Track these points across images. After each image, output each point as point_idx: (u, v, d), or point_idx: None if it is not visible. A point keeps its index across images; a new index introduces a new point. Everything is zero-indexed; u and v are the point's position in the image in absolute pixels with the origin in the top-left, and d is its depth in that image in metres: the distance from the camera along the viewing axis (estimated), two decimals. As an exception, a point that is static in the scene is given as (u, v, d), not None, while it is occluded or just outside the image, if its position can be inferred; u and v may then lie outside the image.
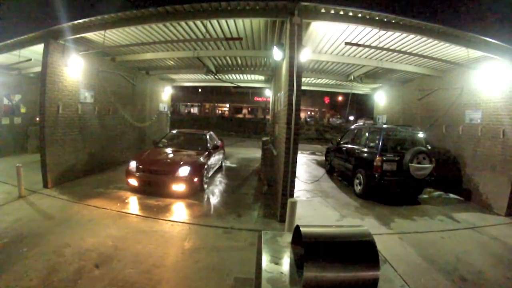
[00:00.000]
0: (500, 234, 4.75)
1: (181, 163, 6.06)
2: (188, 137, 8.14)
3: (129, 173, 6.06)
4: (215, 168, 8.00)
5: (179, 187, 5.80)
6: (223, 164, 9.33)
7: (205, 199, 6.05)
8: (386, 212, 5.67)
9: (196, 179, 6.04)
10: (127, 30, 5.72)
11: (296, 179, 4.96)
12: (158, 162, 6.23)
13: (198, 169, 6.17)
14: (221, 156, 8.84)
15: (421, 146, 6.30)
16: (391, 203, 6.18)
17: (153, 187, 5.95)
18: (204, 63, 8.67)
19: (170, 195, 5.81)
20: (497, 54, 5.30)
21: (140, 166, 6.04)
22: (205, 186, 6.64)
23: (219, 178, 8.01)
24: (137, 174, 5.97)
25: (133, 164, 6.13)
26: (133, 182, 6.01)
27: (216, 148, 7.68)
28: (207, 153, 6.98)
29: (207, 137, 7.82)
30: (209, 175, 7.17)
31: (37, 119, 8.58)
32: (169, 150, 7.08)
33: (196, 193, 6.19)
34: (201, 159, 6.55)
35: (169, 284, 3.01)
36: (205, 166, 6.52)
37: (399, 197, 6.52)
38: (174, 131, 8.60)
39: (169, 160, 6.40)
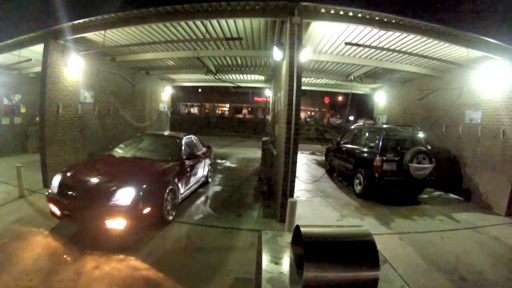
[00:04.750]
0: (500, 234, 4.75)
1: (122, 182, 3.83)
2: (154, 141, 5.89)
3: (50, 196, 3.90)
4: (194, 186, 5.92)
5: (115, 224, 3.58)
6: (209, 179, 7.10)
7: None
8: (386, 212, 5.67)
9: (148, 209, 3.86)
10: (127, 30, 5.73)
11: (296, 179, 4.97)
12: (90, 180, 3.89)
13: (154, 190, 4.09)
14: (205, 167, 6.62)
15: (421, 146, 6.30)
16: (391, 203, 6.18)
17: (78, 223, 3.84)
18: (204, 63, 8.67)
19: (103, 239, 3.69)
20: (497, 54, 5.31)
21: (66, 184, 3.86)
22: (170, 217, 4.47)
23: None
24: (58, 198, 3.78)
25: (55, 182, 3.95)
26: (55, 209, 3.80)
27: (194, 157, 5.74)
28: (178, 164, 5.03)
29: (182, 141, 5.67)
30: (182, 197, 5.09)
31: (37, 119, 8.58)
32: (121, 160, 4.96)
33: (149, 232, 3.98)
34: (165, 174, 4.52)
35: (168, 284, 3.01)
36: (170, 187, 4.43)
37: (399, 197, 6.52)
38: (140, 134, 6.48)
39: (106, 177, 3.99)
